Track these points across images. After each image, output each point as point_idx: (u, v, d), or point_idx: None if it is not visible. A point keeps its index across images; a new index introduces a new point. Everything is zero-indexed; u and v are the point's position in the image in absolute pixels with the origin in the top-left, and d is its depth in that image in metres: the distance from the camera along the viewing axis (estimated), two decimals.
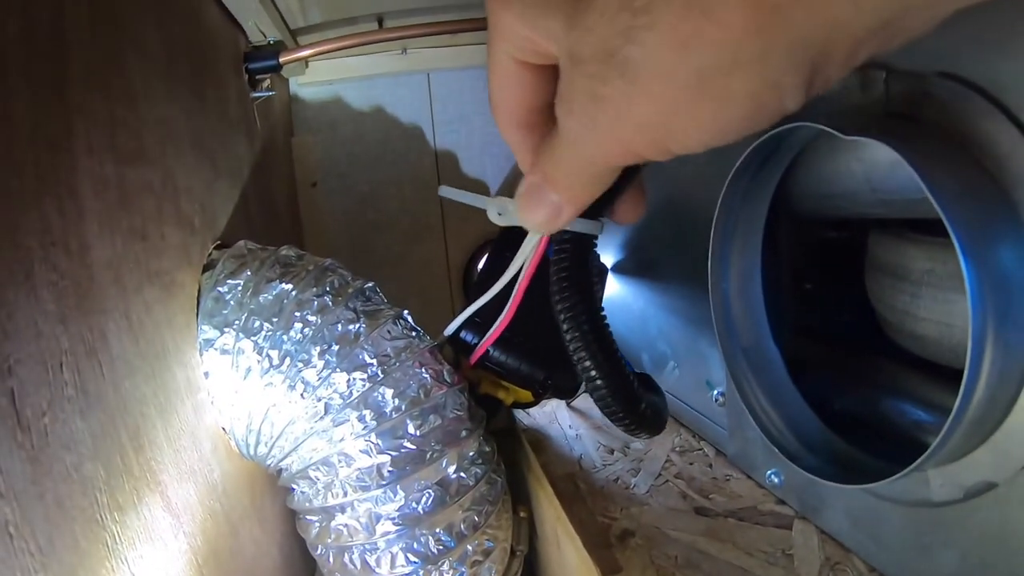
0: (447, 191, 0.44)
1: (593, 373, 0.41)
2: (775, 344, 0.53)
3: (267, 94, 0.79)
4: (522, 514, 0.61)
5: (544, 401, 0.67)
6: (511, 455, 0.66)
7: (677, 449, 0.65)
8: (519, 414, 0.76)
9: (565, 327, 0.40)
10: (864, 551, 0.47)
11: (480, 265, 0.91)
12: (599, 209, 0.38)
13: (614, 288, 0.79)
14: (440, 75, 0.99)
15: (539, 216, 0.32)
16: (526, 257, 0.46)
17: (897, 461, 0.38)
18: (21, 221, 0.30)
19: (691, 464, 0.62)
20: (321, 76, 0.96)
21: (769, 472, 0.55)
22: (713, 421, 0.64)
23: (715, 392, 0.61)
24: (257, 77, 0.78)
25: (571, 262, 0.40)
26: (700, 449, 0.65)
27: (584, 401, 0.78)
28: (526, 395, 0.62)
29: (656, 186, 0.68)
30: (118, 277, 0.38)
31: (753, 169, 0.49)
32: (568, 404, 0.78)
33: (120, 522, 0.35)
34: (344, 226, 1.00)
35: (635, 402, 0.43)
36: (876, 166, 0.44)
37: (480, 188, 0.99)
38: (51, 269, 0.32)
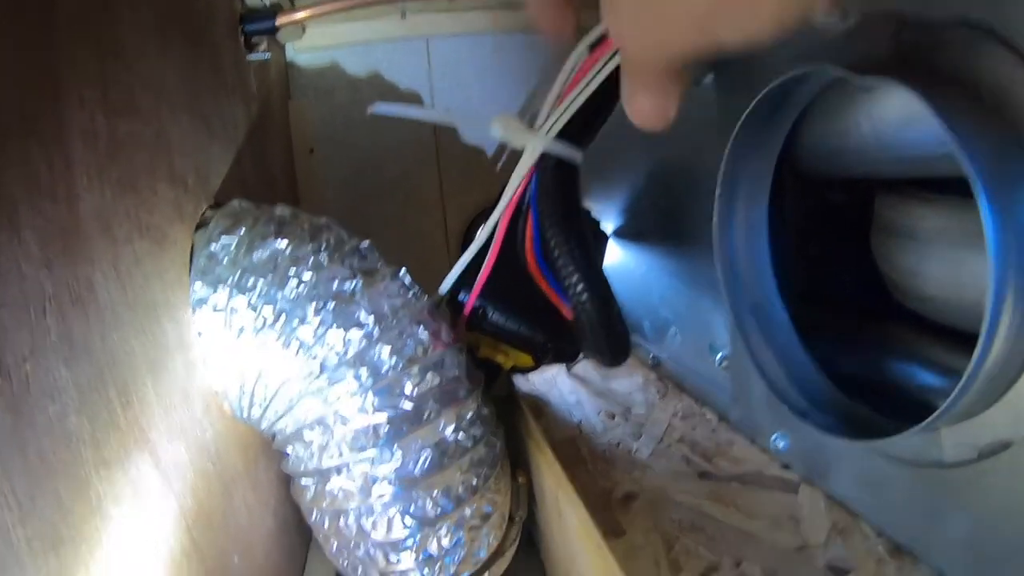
0: (383, 107, 0.46)
1: (580, 287, 0.42)
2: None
3: (263, 56, 0.78)
4: (521, 480, 0.60)
5: (544, 366, 0.66)
6: (510, 422, 0.65)
7: (679, 414, 0.64)
8: (518, 381, 0.75)
9: (551, 240, 0.41)
10: (872, 515, 0.46)
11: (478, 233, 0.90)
12: (582, 136, 0.38)
13: (615, 255, 0.78)
14: (439, 41, 0.97)
15: (643, 104, 0.32)
16: (512, 191, 0.46)
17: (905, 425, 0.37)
18: (4, 164, 0.29)
19: (694, 429, 0.61)
20: (318, 42, 0.94)
21: (774, 436, 0.54)
22: (716, 387, 0.63)
23: (718, 356, 0.60)
24: (253, 40, 0.76)
25: (554, 184, 0.41)
26: (703, 414, 0.64)
27: (584, 367, 0.77)
28: (526, 359, 0.61)
29: (656, 148, 0.67)
30: (107, 227, 0.37)
31: (761, 118, 0.48)
32: (568, 369, 0.77)
33: (106, 479, 0.34)
34: (341, 193, 0.99)
35: (615, 321, 0.44)
36: (886, 122, 0.43)
37: (479, 156, 0.98)
38: (36, 214, 0.31)
